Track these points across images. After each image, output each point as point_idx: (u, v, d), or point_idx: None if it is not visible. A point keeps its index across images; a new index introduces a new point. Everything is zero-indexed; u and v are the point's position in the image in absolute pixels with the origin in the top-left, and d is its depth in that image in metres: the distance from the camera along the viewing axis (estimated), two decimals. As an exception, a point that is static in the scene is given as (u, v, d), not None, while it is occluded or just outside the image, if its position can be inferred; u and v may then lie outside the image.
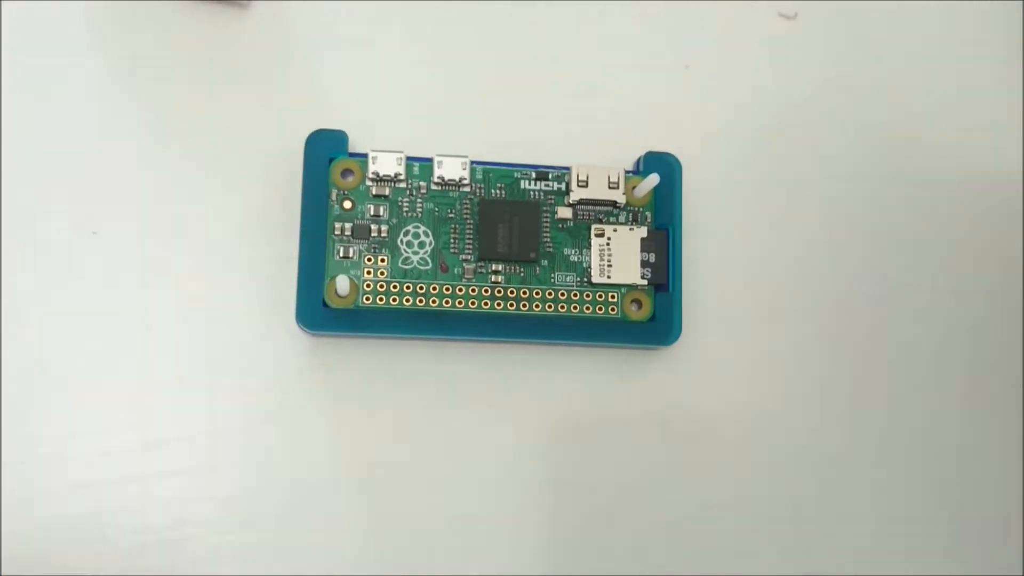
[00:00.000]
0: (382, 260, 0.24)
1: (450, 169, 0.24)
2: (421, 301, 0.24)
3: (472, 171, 0.24)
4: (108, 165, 0.24)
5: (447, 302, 0.24)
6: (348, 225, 0.24)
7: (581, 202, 0.24)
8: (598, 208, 0.25)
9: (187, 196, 0.24)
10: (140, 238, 0.24)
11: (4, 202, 0.24)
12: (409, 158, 0.24)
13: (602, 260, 0.24)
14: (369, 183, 0.24)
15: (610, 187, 0.24)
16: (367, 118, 0.25)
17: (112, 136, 0.24)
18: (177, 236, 0.24)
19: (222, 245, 0.24)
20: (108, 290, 0.24)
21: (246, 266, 0.24)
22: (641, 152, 0.25)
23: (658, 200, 0.25)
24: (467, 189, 0.24)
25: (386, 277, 0.24)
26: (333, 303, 0.23)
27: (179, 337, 0.24)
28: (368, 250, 0.24)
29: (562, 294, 0.24)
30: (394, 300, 0.24)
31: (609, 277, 0.24)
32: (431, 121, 0.25)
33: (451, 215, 0.24)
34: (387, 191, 0.24)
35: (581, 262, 0.24)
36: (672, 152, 0.25)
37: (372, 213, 0.24)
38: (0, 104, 0.24)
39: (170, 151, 0.25)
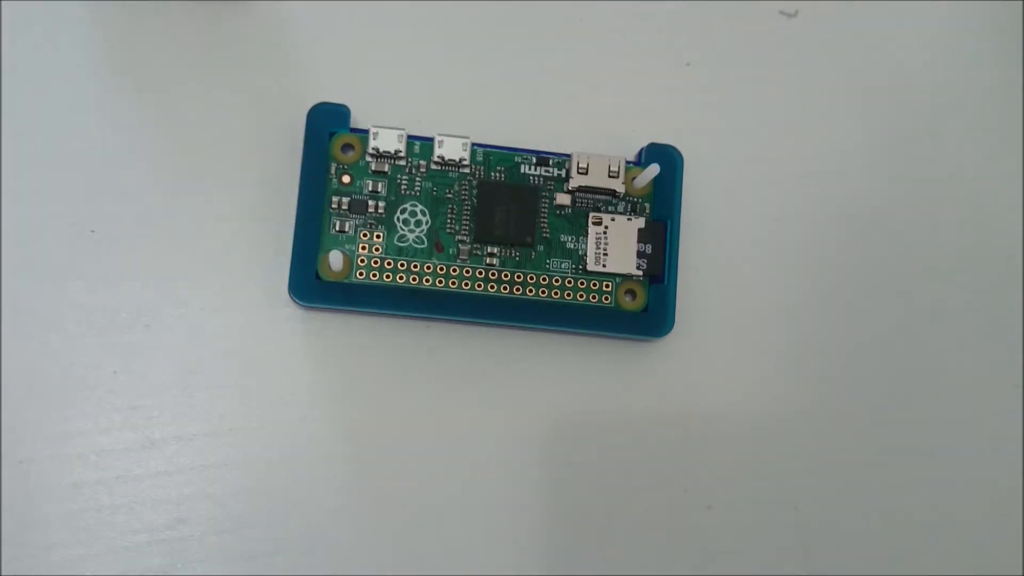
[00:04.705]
0: (377, 236, 0.24)
1: (451, 149, 0.24)
2: (415, 279, 0.24)
3: (472, 152, 0.24)
4: (107, 162, 0.24)
5: (440, 282, 0.24)
6: (346, 200, 0.24)
7: (580, 189, 0.24)
8: (597, 196, 0.25)
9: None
10: (138, 228, 0.24)
11: (4, 202, 0.24)
12: (410, 136, 0.24)
13: (598, 248, 0.24)
14: (369, 159, 0.24)
15: (610, 176, 0.24)
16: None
17: (112, 132, 0.25)
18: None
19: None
20: (107, 275, 0.24)
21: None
22: (642, 146, 0.25)
23: (658, 192, 0.25)
24: (467, 170, 0.24)
25: (380, 253, 0.24)
26: (326, 277, 0.24)
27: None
28: (364, 225, 0.24)
29: (556, 280, 0.24)
30: (387, 277, 0.24)
31: (604, 266, 0.24)
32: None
33: (449, 195, 0.24)
34: (386, 168, 0.24)
35: (577, 249, 0.24)
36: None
37: (370, 189, 0.24)
38: (0, 104, 0.24)
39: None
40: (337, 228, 0.24)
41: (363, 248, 0.24)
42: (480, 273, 0.24)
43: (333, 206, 0.24)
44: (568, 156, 0.25)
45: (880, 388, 0.26)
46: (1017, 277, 0.27)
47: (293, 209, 0.24)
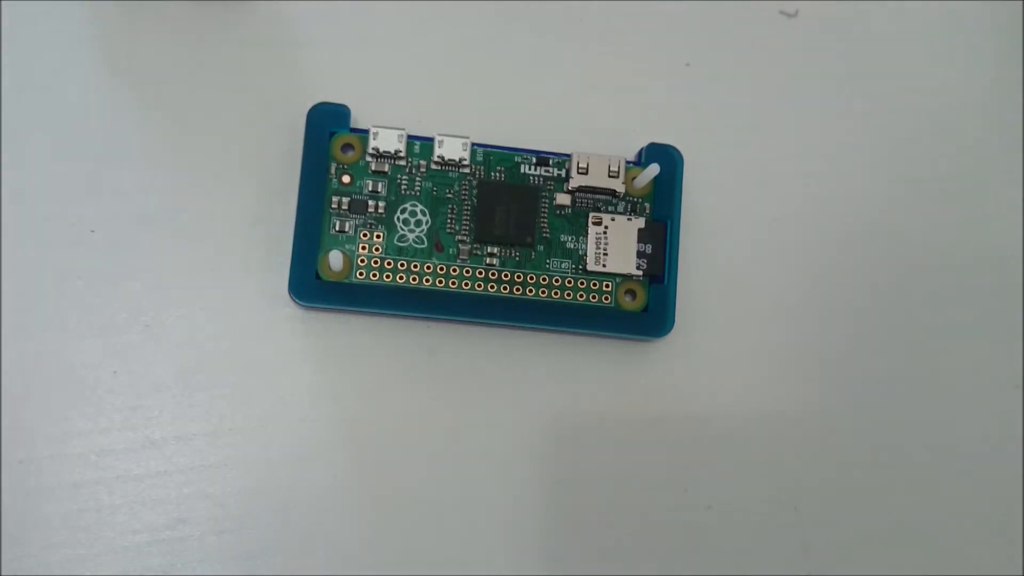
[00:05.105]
0: (377, 236, 0.24)
1: (451, 149, 0.24)
2: (415, 279, 0.24)
3: (472, 152, 0.24)
4: (107, 162, 0.24)
5: (440, 282, 0.24)
6: (346, 200, 0.24)
7: (580, 189, 0.24)
8: (597, 196, 0.25)
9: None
10: (138, 228, 0.24)
11: (4, 202, 0.24)
12: (410, 136, 0.24)
13: (598, 248, 0.24)
14: (369, 159, 0.24)
15: (610, 176, 0.24)
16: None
17: (112, 132, 0.25)
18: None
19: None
20: (107, 275, 0.24)
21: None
22: (642, 146, 0.25)
23: (658, 192, 0.25)
24: (467, 170, 0.24)
25: (380, 253, 0.24)
26: (326, 277, 0.24)
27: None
28: (364, 225, 0.24)
29: (556, 280, 0.24)
30: (387, 277, 0.24)
31: (604, 266, 0.24)
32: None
33: (449, 195, 0.24)
34: (386, 168, 0.24)
35: (577, 249, 0.24)
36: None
37: (370, 189, 0.24)
38: (0, 104, 0.24)
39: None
40: (337, 228, 0.24)
41: (363, 248, 0.24)
42: (480, 273, 0.24)
43: (333, 206, 0.24)
44: (568, 156, 0.25)
45: (880, 388, 0.26)
46: (1017, 277, 0.27)
47: (293, 209, 0.24)
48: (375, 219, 0.24)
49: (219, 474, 0.23)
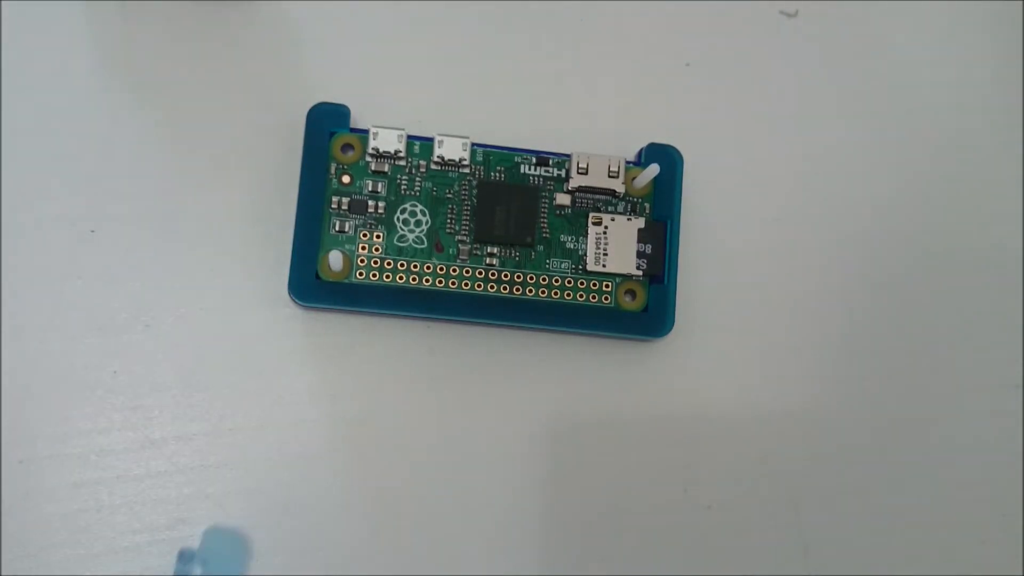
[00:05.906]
0: (377, 236, 0.24)
1: (451, 149, 0.24)
2: (414, 279, 0.24)
3: (472, 152, 0.24)
4: (107, 162, 0.24)
5: (440, 282, 0.24)
6: (346, 200, 0.24)
7: (580, 189, 0.24)
8: (597, 197, 0.25)
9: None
10: (138, 228, 0.24)
11: (4, 202, 0.24)
12: (410, 136, 0.24)
13: (598, 248, 0.24)
14: (369, 159, 0.24)
15: (610, 176, 0.24)
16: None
17: (112, 132, 0.25)
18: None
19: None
20: (107, 275, 0.24)
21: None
22: (642, 146, 0.25)
23: (658, 192, 0.25)
24: (467, 170, 0.24)
25: (380, 253, 0.24)
26: (326, 277, 0.24)
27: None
28: (364, 225, 0.24)
29: (556, 280, 0.24)
30: (387, 277, 0.24)
31: (604, 266, 0.24)
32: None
33: (449, 195, 0.24)
34: (386, 168, 0.24)
35: (577, 249, 0.24)
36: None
37: (370, 189, 0.24)
38: (0, 104, 0.24)
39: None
40: (337, 228, 0.24)
41: (363, 248, 0.24)
42: (480, 273, 0.24)
43: (333, 206, 0.24)
44: (568, 156, 0.25)
45: (880, 388, 0.26)
46: (1017, 277, 0.27)
47: (293, 209, 0.24)
48: (375, 219, 0.24)
49: (219, 474, 0.23)
